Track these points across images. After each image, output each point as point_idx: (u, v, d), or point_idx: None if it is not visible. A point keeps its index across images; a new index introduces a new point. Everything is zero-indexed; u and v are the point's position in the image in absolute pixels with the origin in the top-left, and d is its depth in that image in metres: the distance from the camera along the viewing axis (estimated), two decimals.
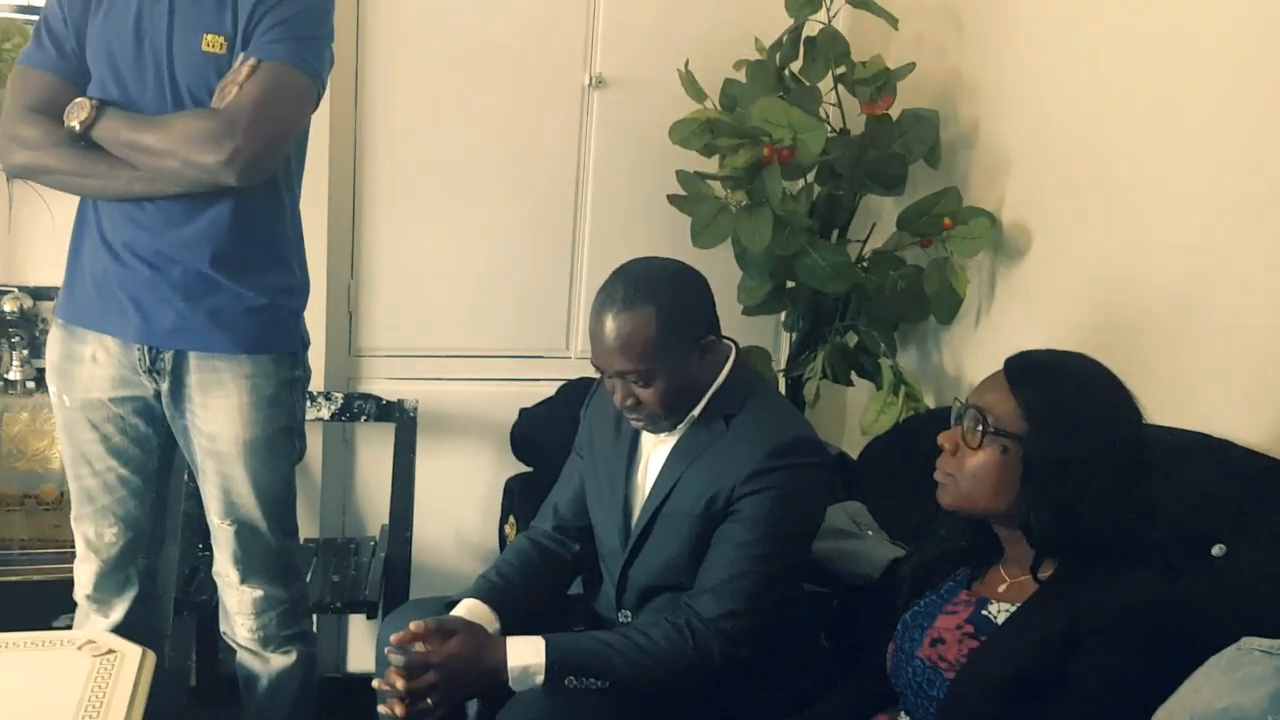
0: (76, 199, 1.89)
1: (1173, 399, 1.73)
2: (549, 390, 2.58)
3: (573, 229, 2.78)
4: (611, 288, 1.77)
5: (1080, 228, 2.11)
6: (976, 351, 2.43)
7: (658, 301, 1.73)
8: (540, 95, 2.70)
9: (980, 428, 1.44)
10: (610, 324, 1.73)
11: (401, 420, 2.56)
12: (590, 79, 2.72)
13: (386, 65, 2.62)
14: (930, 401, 2.47)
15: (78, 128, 1.76)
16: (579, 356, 2.79)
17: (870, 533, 2.07)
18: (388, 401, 2.57)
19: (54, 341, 1.91)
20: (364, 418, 2.58)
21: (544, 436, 2.41)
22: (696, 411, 1.80)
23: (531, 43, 2.67)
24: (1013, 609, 1.44)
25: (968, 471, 1.45)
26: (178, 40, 1.77)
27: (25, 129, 1.78)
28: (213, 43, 1.76)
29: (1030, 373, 1.48)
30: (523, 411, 2.52)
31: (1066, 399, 1.43)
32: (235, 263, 1.82)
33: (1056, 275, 2.19)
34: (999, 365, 1.53)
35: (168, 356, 1.84)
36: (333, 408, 2.55)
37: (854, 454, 2.47)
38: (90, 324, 1.86)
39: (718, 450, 1.76)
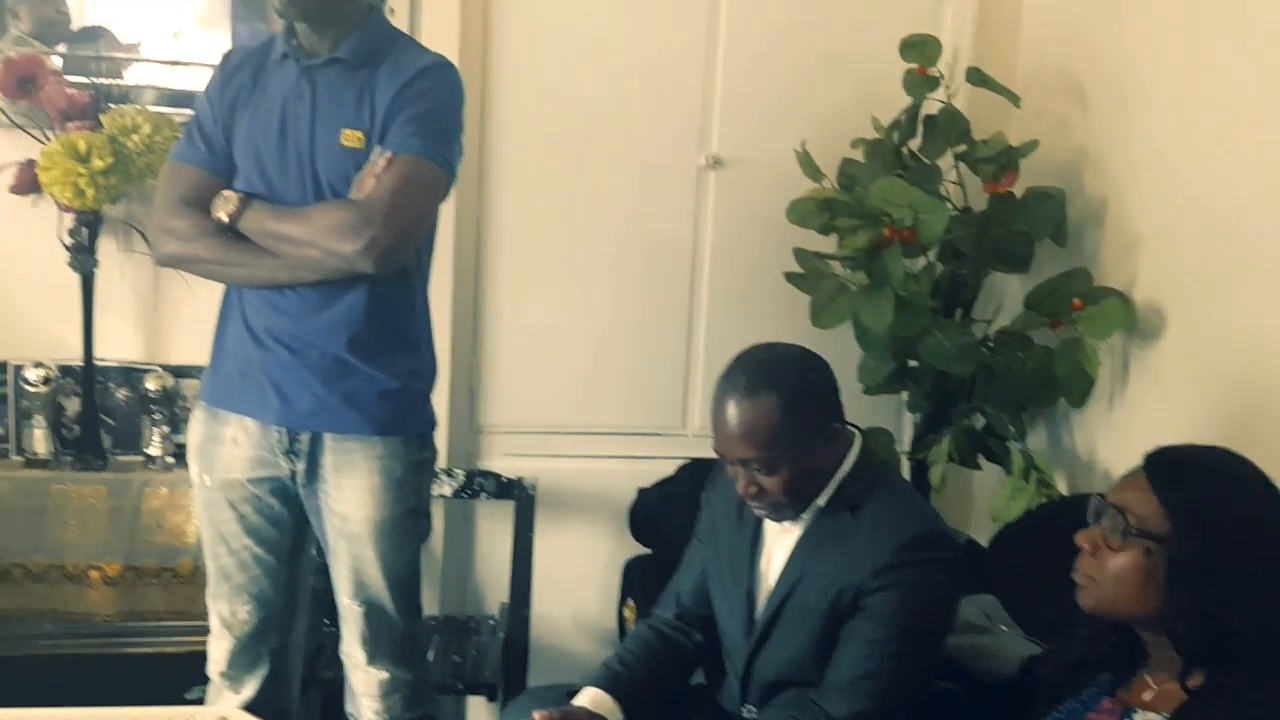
0: (215, 283, 1.97)
1: None
2: (666, 469, 2.58)
3: (689, 307, 2.79)
4: (734, 374, 1.77)
5: (1218, 308, 2.04)
6: (1110, 436, 2.35)
7: (781, 388, 1.72)
8: (657, 175, 2.74)
9: (1121, 529, 1.39)
10: (733, 411, 1.72)
11: (521, 498, 2.58)
12: (706, 159, 2.74)
13: (508, 147, 2.68)
14: (1062, 487, 2.40)
15: (225, 219, 1.84)
16: (696, 435, 2.79)
17: (1004, 628, 2.00)
18: (507, 479, 2.60)
19: (196, 423, 1.99)
20: (484, 495, 2.61)
21: (663, 519, 2.40)
22: (822, 500, 1.78)
23: (648, 124, 2.72)
24: None
25: (1109, 574, 1.40)
26: (319, 136, 1.85)
27: (176, 221, 1.88)
28: (351, 137, 1.84)
29: (1172, 470, 1.42)
30: (641, 492, 2.52)
31: (1212, 498, 1.37)
32: (369, 347, 1.88)
33: (1194, 358, 2.11)
34: (1134, 450, 1.48)
35: (305, 438, 1.90)
36: (454, 485, 2.59)
37: (982, 540, 2.40)
38: (232, 406, 1.93)
39: (845, 542, 1.73)
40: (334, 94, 1.84)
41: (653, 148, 2.72)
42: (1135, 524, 1.38)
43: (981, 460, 2.47)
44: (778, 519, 1.81)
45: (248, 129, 1.88)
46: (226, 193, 1.86)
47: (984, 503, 2.76)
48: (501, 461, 2.72)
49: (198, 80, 2.51)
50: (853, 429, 1.84)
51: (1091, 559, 1.43)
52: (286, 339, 1.88)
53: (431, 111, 1.84)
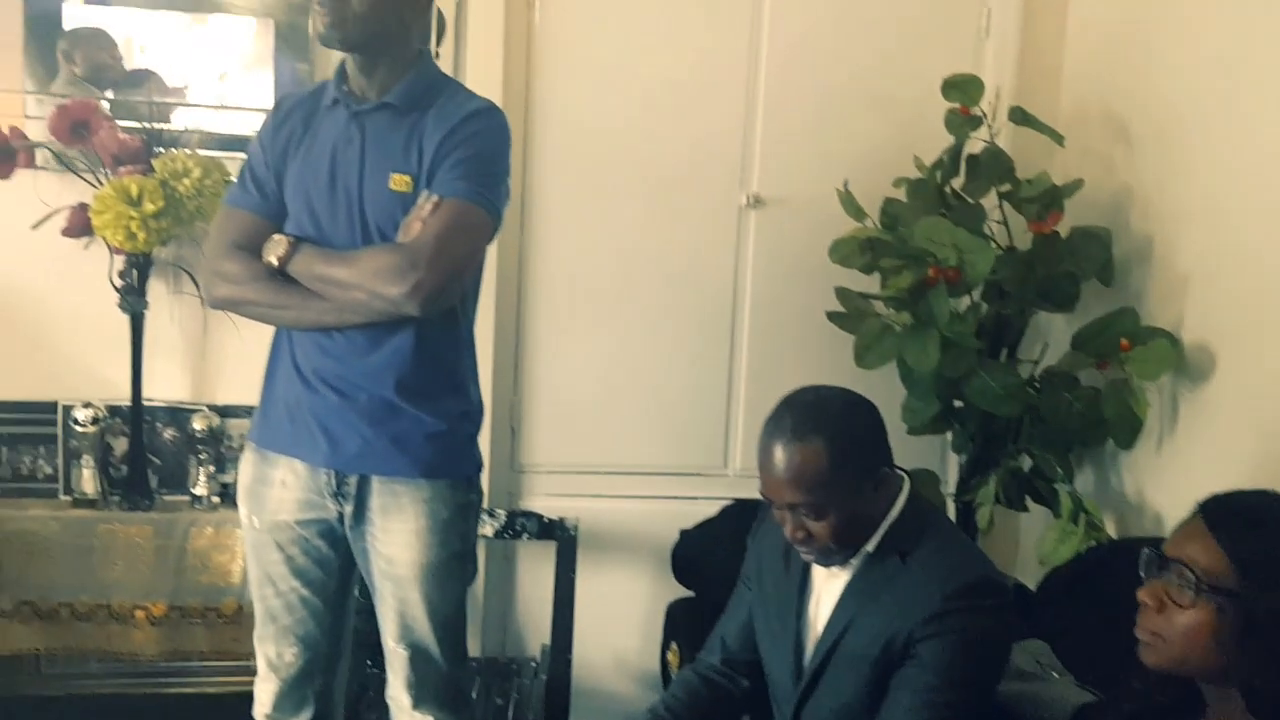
0: (262, 324, 1.99)
1: None
2: (708, 509, 2.57)
3: (730, 346, 2.79)
4: (780, 417, 1.75)
5: (1268, 349, 2.02)
6: (1159, 478, 2.32)
7: (829, 432, 1.70)
8: (698, 214, 2.75)
9: (1192, 585, 1.35)
10: (780, 455, 1.71)
11: (562, 539, 2.58)
12: (747, 198, 2.75)
13: (550, 187, 2.70)
14: (1111, 529, 2.36)
15: (275, 262, 1.86)
16: (737, 474, 2.78)
17: (1055, 674, 1.96)
18: (549, 520, 2.60)
19: (246, 465, 2.00)
20: (526, 535, 2.61)
21: (706, 561, 2.39)
22: (871, 546, 1.76)
23: (689, 163, 2.73)
24: None
25: (1178, 631, 1.36)
26: (368, 180, 1.86)
27: (228, 264, 1.90)
28: (399, 181, 1.85)
29: (1234, 519, 1.39)
30: (683, 533, 2.51)
31: None
32: (417, 389, 1.88)
33: (1244, 399, 2.08)
34: (1184, 493, 1.45)
35: (352, 480, 1.90)
36: (496, 525, 2.59)
37: (1029, 584, 2.37)
38: (281, 448, 1.94)
39: (894, 589, 1.71)
40: (383, 138, 1.86)
41: (694, 187, 2.74)
42: (1204, 580, 1.34)
43: (1028, 502, 2.44)
44: (826, 564, 1.79)
45: (298, 173, 1.90)
46: (276, 236, 1.88)
47: (1030, 545, 2.73)
48: (542, 501, 2.72)
49: (243, 123, 2.57)
50: (901, 473, 1.82)
51: (1157, 616, 1.38)
52: (334, 381, 1.89)
53: (478, 155, 1.85)
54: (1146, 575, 1.42)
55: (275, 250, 1.86)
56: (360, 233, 1.86)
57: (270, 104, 2.59)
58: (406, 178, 1.85)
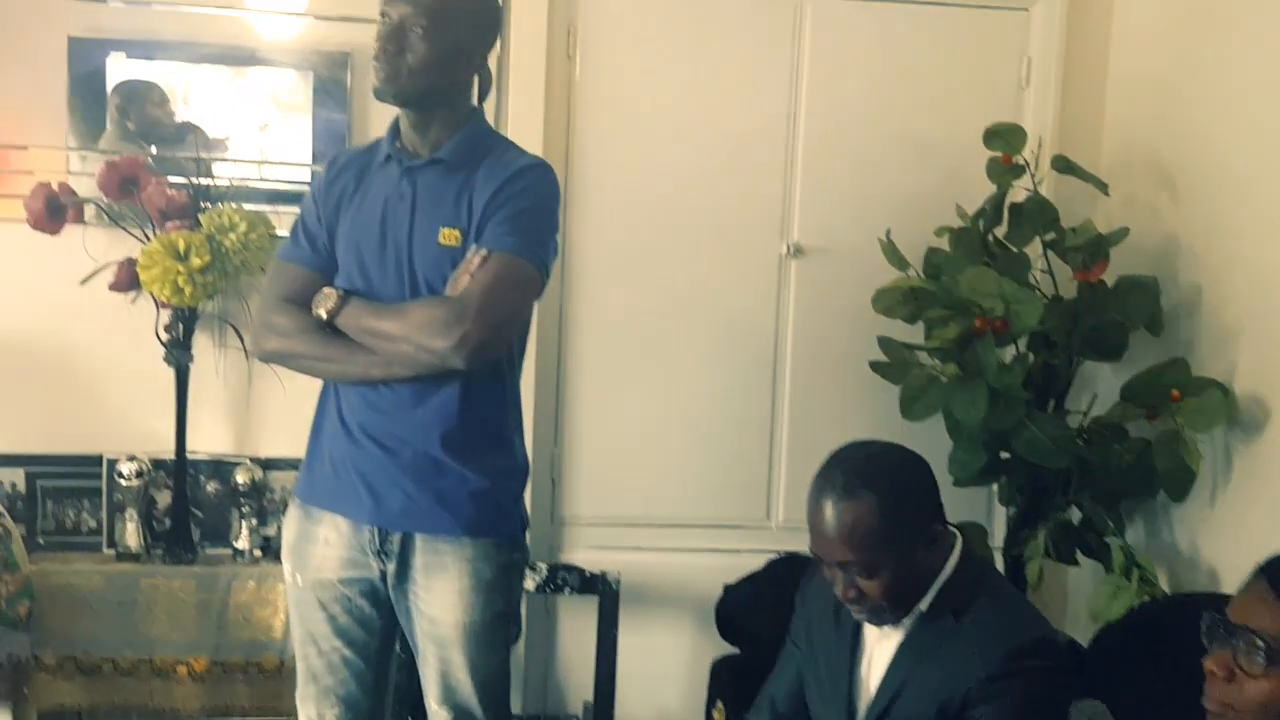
0: (306, 377, 1.98)
1: None
2: (751, 562, 2.53)
3: (771, 397, 2.77)
4: (830, 473, 1.73)
5: None
6: (1212, 531, 2.28)
7: (881, 489, 1.68)
8: (738, 264, 2.74)
9: (1264, 654, 1.31)
10: (830, 512, 1.69)
11: (605, 593, 2.55)
12: (788, 247, 2.74)
13: (590, 238, 2.71)
14: (1164, 584, 2.31)
15: (324, 315, 1.87)
16: (780, 527, 2.75)
17: None
18: (591, 574, 2.57)
19: (291, 521, 1.99)
20: (568, 590, 2.58)
21: (752, 617, 2.35)
22: (924, 605, 1.72)
23: (728, 212, 2.73)
24: None
25: (1251, 702, 1.32)
26: (417, 234, 1.87)
27: (279, 318, 1.91)
28: (449, 236, 1.86)
29: None
30: (727, 589, 2.47)
31: None
32: (462, 445, 1.87)
33: None
34: (1238, 547, 1.43)
35: (396, 538, 1.89)
36: (537, 579, 2.56)
37: (1080, 639, 2.32)
38: (326, 504, 1.94)
39: (949, 649, 1.68)
40: (434, 193, 1.87)
41: (734, 236, 2.73)
42: (1276, 647, 1.30)
43: (1078, 555, 2.39)
44: (878, 623, 1.76)
45: (350, 227, 1.92)
46: (326, 290, 1.89)
47: (1079, 599, 2.68)
48: (583, 554, 2.70)
49: (286, 175, 2.60)
50: (954, 530, 1.79)
51: (1227, 685, 1.34)
52: (380, 436, 1.88)
53: (527, 210, 1.85)
54: (1210, 643, 1.38)
55: (325, 303, 1.87)
56: (409, 286, 1.87)
57: (309, 156, 2.63)
58: (456, 232, 1.85)
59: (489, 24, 1.92)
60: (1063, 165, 2.43)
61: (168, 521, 2.56)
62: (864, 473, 1.70)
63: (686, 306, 2.73)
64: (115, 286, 2.47)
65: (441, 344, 1.78)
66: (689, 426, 2.74)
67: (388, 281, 1.88)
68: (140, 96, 2.60)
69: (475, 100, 1.95)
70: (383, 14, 1.83)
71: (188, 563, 2.50)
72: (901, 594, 1.71)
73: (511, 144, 1.95)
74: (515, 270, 1.83)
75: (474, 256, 1.83)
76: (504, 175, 1.85)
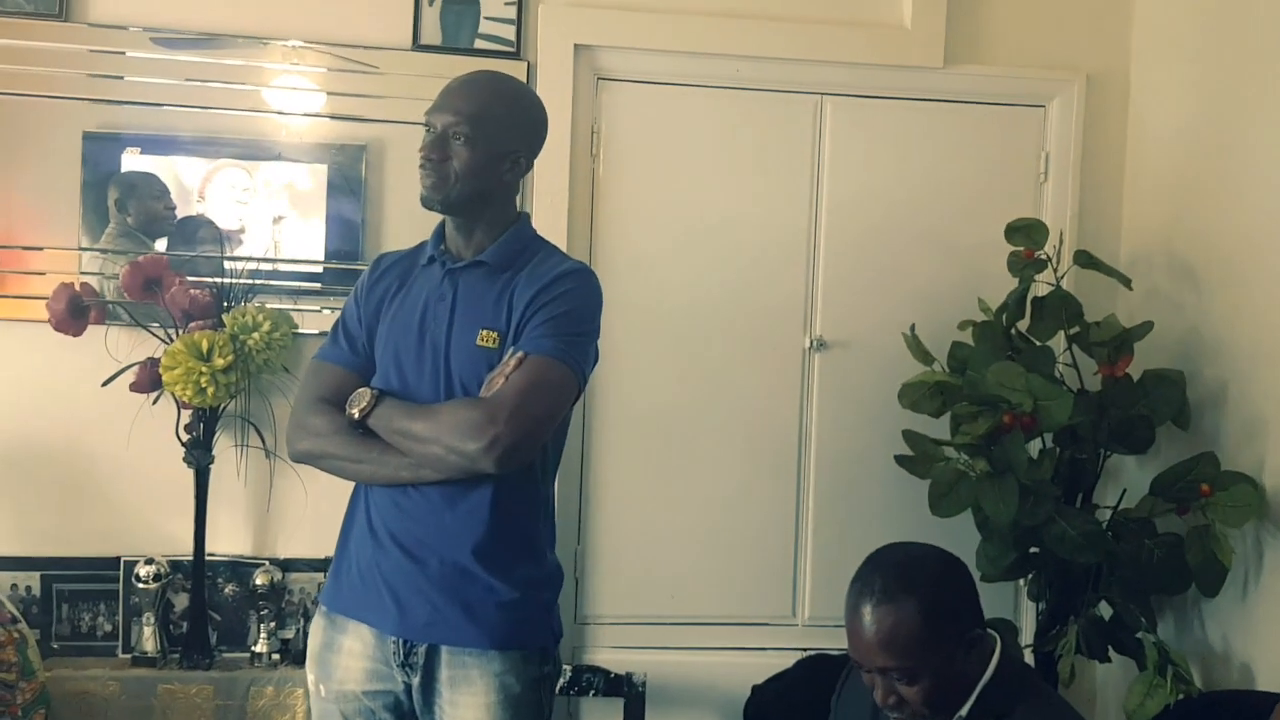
0: (328, 477, 1.95)
1: None
2: (777, 660, 2.49)
3: (796, 492, 2.75)
4: (868, 577, 1.70)
5: None
6: (1246, 626, 2.25)
7: (921, 593, 1.65)
8: (762, 358, 2.75)
9: None
10: (869, 617, 1.66)
11: (630, 695, 2.50)
12: (811, 341, 2.74)
13: (614, 334, 2.68)
14: (1199, 681, 2.27)
15: (356, 415, 1.84)
16: (806, 625, 2.71)
17: None
18: (616, 675, 2.52)
19: (316, 629, 1.95)
20: (592, 692, 2.53)
21: (781, 719, 2.31)
22: (965, 710, 1.69)
23: (752, 307, 2.74)
24: None
25: None
26: (455, 334, 1.86)
27: (314, 418, 1.89)
28: (487, 338, 1.84)
29: None
30: (755, 689, 2.42)
31: None
32: (492, 554, 1.83)
33: None
34: (1273, 643, 1.39)
35: (421, 650, 1.84)
36: (561, 681, 2.51)
37: None
38: (351, 613, 1.89)
39: None
40: (475, 295, 1.87)
41: (757, 330, 2.74)
42: None
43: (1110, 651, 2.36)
44: None
45: (389, 327, 1.91)
46: (361, 390, 1.87)
47: (1109, 696, 2.63)
48: (606, 654, 2.65)
49: (302, 269, 2.60)
50: (993, 634, 1.76)
51: None
52: (408, 543, 1.84)
53: (567, 314, 1.84)
54: None
55: (358, 404, 1.85)
56: (444, 387, 1.85)
57: (322, 251, 2.63)
58: (494, 334, 1.84)
59: (534, 126, 1.92)
60: (1085, 260, 2.45)
61: (185, 625, 2.51)
62: (904, 577, 1.67)
63: (710, 401, 2.72)
64: (136, 387, 2.45)
65: (472, 446, 1.75)
66: (713, 522, 2.72)
67: (424, 382, 1.86)
68: (138, 190, 2.57)
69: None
70: (427, 124, 1.85)
71: (205, 668, 2.45)
72: (942, 700, 1.67)
73: (556, 249, 1.95)
74: (550, 373, 1.80)
75: (510, 359, 1.81)
76: (545, 279, 1.84)
